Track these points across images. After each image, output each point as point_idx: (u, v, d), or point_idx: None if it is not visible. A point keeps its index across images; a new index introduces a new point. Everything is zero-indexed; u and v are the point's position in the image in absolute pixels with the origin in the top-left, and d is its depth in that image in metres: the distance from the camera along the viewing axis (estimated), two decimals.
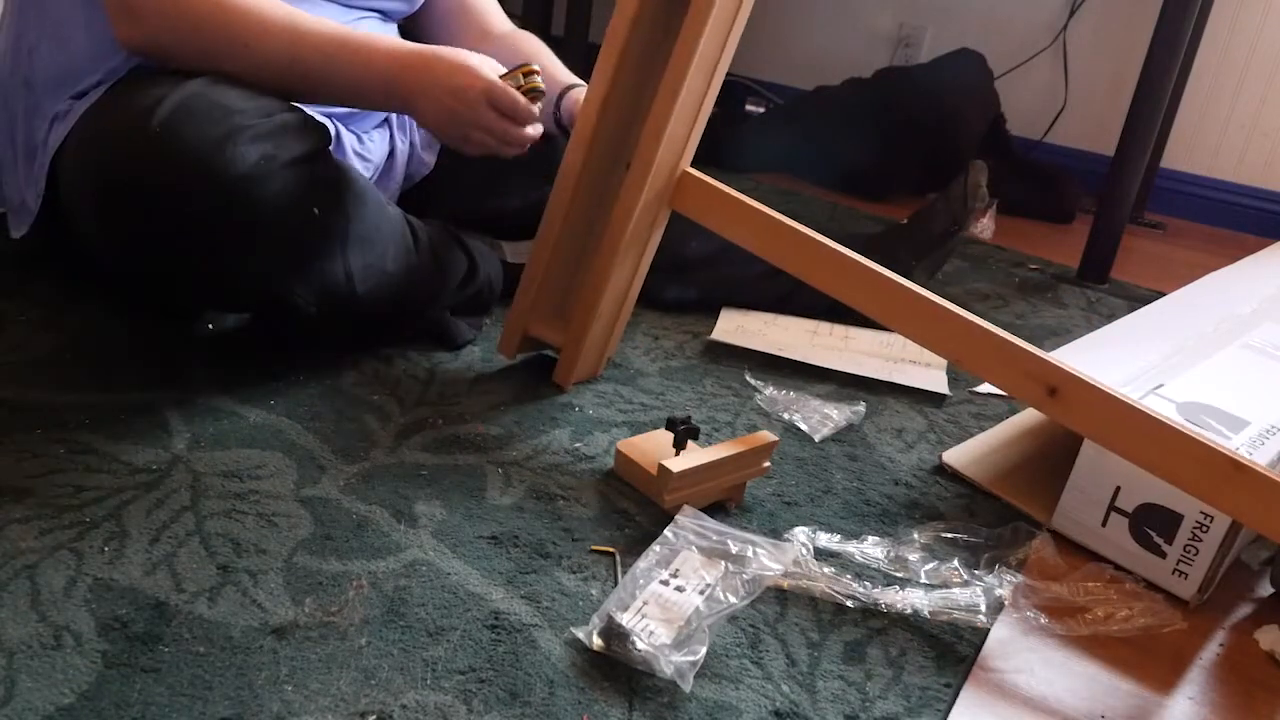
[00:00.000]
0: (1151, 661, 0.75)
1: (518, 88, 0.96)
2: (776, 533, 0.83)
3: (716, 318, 1.26)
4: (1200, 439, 0.74)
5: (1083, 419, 0.80)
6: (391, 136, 1.17)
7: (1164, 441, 0.75)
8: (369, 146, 1.12)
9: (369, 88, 0.96)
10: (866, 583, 0.78)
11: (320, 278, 0.93)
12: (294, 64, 0.93)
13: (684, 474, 0.82)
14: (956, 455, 1.00)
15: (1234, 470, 0.72)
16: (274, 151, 0.86)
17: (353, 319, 0.99)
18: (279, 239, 0.88)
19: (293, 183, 0.87)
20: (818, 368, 1.15)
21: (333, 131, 1.06)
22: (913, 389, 1.14)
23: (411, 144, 1.21)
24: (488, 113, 0.94)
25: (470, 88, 0.93)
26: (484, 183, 1.22)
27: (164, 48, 0.92)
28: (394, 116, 1.18)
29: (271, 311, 0.92)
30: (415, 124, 1.20)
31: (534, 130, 0.98)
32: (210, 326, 1.06)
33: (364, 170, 1.11)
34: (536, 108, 0.97)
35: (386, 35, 0.97)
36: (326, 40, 0.94)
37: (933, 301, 0.87)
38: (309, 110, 0.94)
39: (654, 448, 0.88)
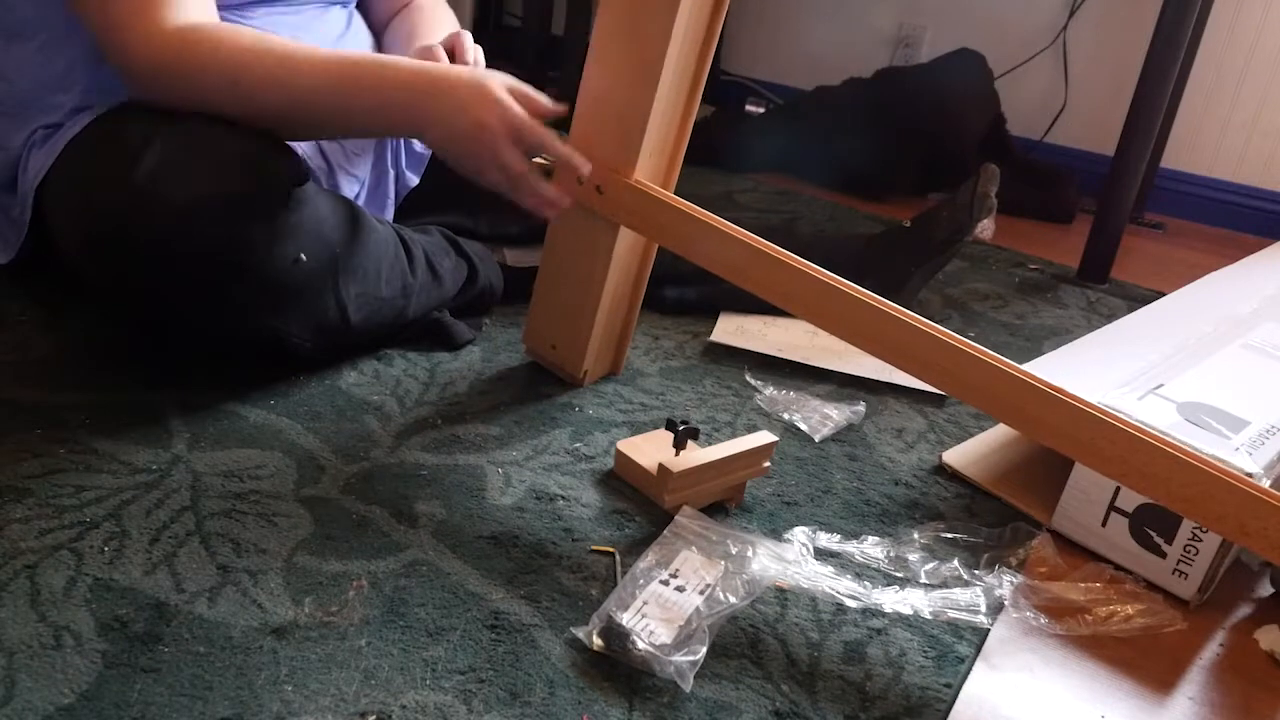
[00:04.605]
0: (1151, 661, 0.75)
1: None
2: (776, 533, 0.84)
3: (716, 319, 1.26)
4: (1221, 474, 0.67)
5: (1065, 443, 0.73)
6: (380, 158, 1.15)
7: (1190, 475, 0.68)
8: (354, 160, 1.10)
9: (382, 118, 0.92)
10: (866, 583, 0.78)
11: (313, 315, 0.92)
12: (307, 109, 0.89)
13: (684, 474, 0.82)
14: (956, 455, 1.00)
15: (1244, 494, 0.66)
16: (256, 200, 0.84)
17: (349, 346, 0.99)
18: (267, 286, 0.87)
19: (277, 229, 0.86)
20: (818, 368, 1.15)
21: (318, 162, 1.05)
22: (913, 389, 1.14)
23: (398, 167, 1.19)
24: (508, 149, 0.87)
25: (487, 124, 0.86)
26: (483, 203, 1.20)
27: (169, 101, 0.88)
28: (379, 142, 1.14)
29: (266, 348, 0.92)
30: (402, 148, 1.18)
31: (551, 198, 0.92)
32: None
33: (351, 187, 1.09)
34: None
35: (391, 59, 0.92)
36: (335, 79, 0.88)
37: (903, 320, 0.78)
38: (293, 146, 0.92)
39: (654, 448, 0.88)
